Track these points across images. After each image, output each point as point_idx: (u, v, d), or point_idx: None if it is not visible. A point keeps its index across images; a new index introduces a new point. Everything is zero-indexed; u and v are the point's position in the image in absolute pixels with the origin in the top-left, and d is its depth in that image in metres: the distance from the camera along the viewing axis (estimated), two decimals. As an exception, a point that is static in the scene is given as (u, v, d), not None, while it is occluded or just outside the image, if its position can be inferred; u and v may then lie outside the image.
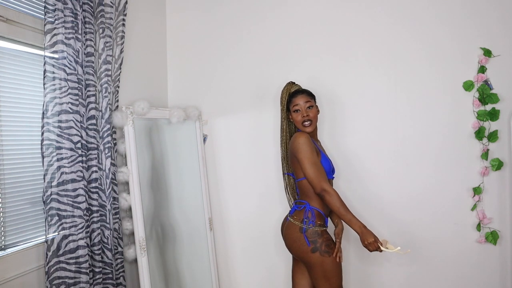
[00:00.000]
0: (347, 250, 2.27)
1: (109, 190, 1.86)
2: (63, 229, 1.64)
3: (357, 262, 2.28)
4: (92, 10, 1.84)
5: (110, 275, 1.87)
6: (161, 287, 2.14)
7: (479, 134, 2.02)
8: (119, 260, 1.96)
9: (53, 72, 1.62)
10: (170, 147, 2.33)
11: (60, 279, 1.63)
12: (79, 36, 1.73)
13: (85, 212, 1.72)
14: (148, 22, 2.42)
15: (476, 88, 2.03)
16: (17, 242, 1.62)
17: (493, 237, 2.02)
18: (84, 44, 1.79)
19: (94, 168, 1.81)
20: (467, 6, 2.04)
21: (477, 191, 2.05)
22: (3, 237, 1.57)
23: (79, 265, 1.68)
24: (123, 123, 1.96)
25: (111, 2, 1.92)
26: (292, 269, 2.00)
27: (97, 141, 1.85)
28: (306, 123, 1.86)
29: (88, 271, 1.71)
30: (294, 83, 2.01)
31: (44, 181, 1.61)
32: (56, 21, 1.62)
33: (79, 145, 1.72)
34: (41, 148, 1.60)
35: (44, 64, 1.60)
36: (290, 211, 1.93)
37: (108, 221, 1.86)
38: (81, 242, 1.69)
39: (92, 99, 1.82)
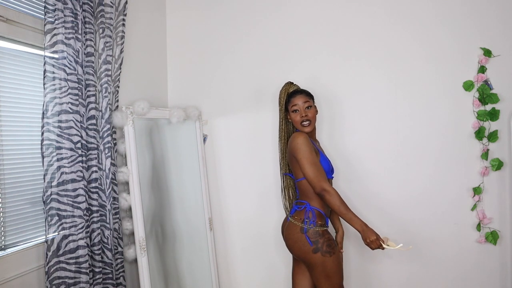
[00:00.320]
0: (348, 248, 2.27)
1: (109, 190, 1.86)
2: (63, 229, 1.64)
3: (358, 261, 2.28)
4: (92, 10, 1.84)
5: (110, 275, 1.87)
6: (161, 287, 2.14)
7: (479, 134, 2.02)
8: (119, 260, 1.96)
9: (53, 72, 1.62)
10: (170, 147, 2.33)
11: (60, 279, 1.63)
12: (79, 36, 1.73)
13: (85, 212, 1.72)
14: (148, 22, 2.42)
15: (476, 88, 2.03)
16: (17, 242, 1.62)
17: (493, 237, 2.02)
18: (84, 44, 1.79)
19: (94, 168, 1.81)
20: (467, 6, 2.04)
21: (477, 191, 2.05)
22: (3, 237, 1.57)
23: (79, 265, 1.68)
24: (123, 123, 1.96)
25: (111, 2, 1.91)
26: (292, 269, 2.00)
27: (97, 141, 1.85)
28: (305, 123, 1.86)
29: (88, 271, 1.71)
30: (292, 83, 2.01)
31: (44, 181, 1.60)
32: (56, 21, 1.62)
33: (79, 145, 1.72)
34: (41, 148, 1.60)
35: (44, 64, 1.60)
36: (290, 211, 1.93)
37: (108, 221, 1.86)
38: (81, 242, 1.69)
39: (92, 99, 1.82)
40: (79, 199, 1.70)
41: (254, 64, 2.42)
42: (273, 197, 2.39)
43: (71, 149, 1.67)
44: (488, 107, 2.02)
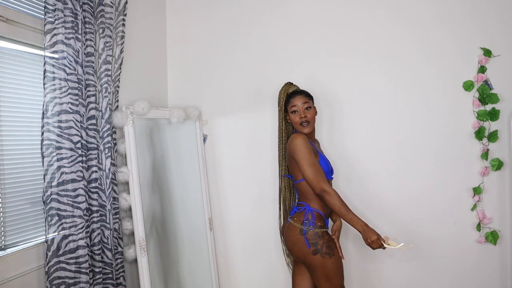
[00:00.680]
0: (348, 249, 2.27)
1: (109, 190, 1.86)
2: (63, 229, 1.64)
3: (358, 262, 2.28)
4: (92, 10, 1.84)
5: (110, 275, 1.87)
6: (161, 287, 2.14)
7: (479, 134, 2.02)
8: (119, 260, 1.96)
9: (53, 72, 1.62)
10: (170, 147, 2.33)
11: (60, 279, 1.63)
12: (79, 36, 1.73)
13: (85, 212, 1.72)
14: (148, 22, 2.42)
15: (476, 88, 2.03)
16: (17, 242, 1.62)
17: (493, 237, 2.02)
18: (84, 44, 1.79)
19: (94, 168, 1.81)
20: (467, 6, 2.04)
21: (477, 191, 2.05)
22: (3, 237, 1.57)
23: (79, 265, 1.68)
24: (123, 123, 1.96)
25: (111, 2, 1.91)
26: (292, 270, 1.99)
27: (97, 141, 1.85)
28: (304, 124, 1.85)
29: (88, 271, 1.71)
30: (292, 83, 2.00)
31: (44, 181, 1.60)
32: (56, 21, 1.62)
33: (79, 145, 1.72)
34: (41, 148, 1.60)
35: (44, 64, 1.60)
36: (290, 212, 1.93)
37: (108, 221, 1.86)
38: (81, 242, 1.69)
39: (92, 99, 1.82)
40: (79, 199, 1.70)
41: (254, 64, 2.42)
42: (273, 197, 2.39)
43: (71, 149, 1.67)
44: (488, 107, 2.02)
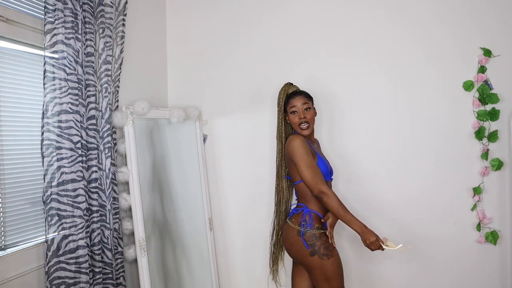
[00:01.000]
0: (348, 250, 2.27)
1: (109, 190, 1.86)
2: (63, 229, 1.64)
3: (358, 263, 2.28)
4: (92, 10, 1.84)
5: (110, 275, 1.87)
6: (161, 287, 2.14)
7: (479, 134, 2.02)
8: (119, 260, 1.96)
9: (53, 72, 1.62)
10: (170, 147, 2.33)
11: (60, 279, 1.63)
12: (79, 36, 1.73)
13: (85, 212, 1.72)
14: (148, 22, 2.42)
15: (476, 88, 2.03)
16: (17, 242, 1.62)
17: (493, 237, 2.02)
18: (84, 44, 1.79)
19: (94, 168, 1.81)
20: (467, 6, 2.04)
21: (477, 191, 2.05)
22: (3, 237, 1.57)
23: (79, 265, 1.68)
24: (123, 123, 1.96)
25: (111, 2, 1.91)
26: (291, 271, 1.99)
27: (97, 141, 1.85)
28: (303, 125, 1.84)
29: (88, 271, 1.71)
30: (291, 84, 2.00)
31: (44, 181, 1.60)
32: (56, 21, 1.62)
33: (79, 145, 1.72)
34: (41, 148, 1.60)
35: (44, 64, 1.60)
36: (289, 213, 1.92)
37: (108, 221, 1.86)
38: (81, 242, 1.69)
39: (92, 99, 1.82)
40: (79, 199, 1.70)
41: (254, 64, 2.42)
42: (273, 197, 2.38)
43: (71, 149, 1.67)
44: (488, 107, 2.02)
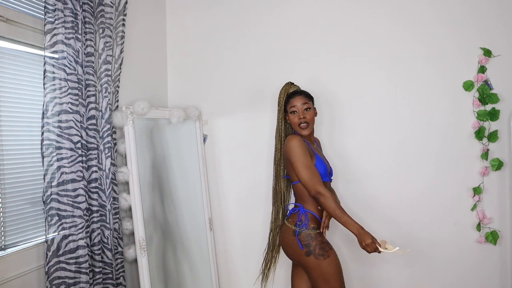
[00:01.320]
0: (346, 253, 2.27)
1: (109, 190, 1.86)
2: (63, 229, 1.64)
3: (358, 263, 2.28)
4: (92, 10, 1.84)
5: (110, 275, 1.87)
6: (161, 287, 2.14)
7: (479, 134, 2.02)
8: (119, 260, 1.96)
9: (53, 72, 1.62)
10: (170, 147, 2.33)
11: (60, 279, 1.63)
12: (79, 36, 1.73)
13: (85, 212, 1.72)
14: (148, 22, 2.42)
15: (476, 88, 2.03)
16: (17, 242, 1.62)
17: (493, 237, 2.02)
18: (84, 44, 1.79)
19: (94, 168, 1.81)
20: (467, 6, 2.04)
21: (477, 191, 2.05)
22: (3, 237, 1.57)
23: (79, 265, 1.68)
24: (123, 123, 1.96)
25: (111, 2, 1.92)
26: (291, 272, 1.99)
27: (97, 141, 1.85)
28: (303, 125, 1.84)
29: (88, 271, 1.71)
30: (292, 83, 1.99)
31: (44, 181, 1.60)
32: (56, 21, 1.62)
33: (79, 145, 1.72)
34: (41, 148, 1.60)
35: (44, 64, 1.60)
36: (287, 214, 1.92)
37: (108, 221, 1.86)
38: (81, 242, 1.69)
39: (92, 99, 1.82)
40: (79, 199, 1.70)
41: (254, 64, 2.42)
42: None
43: (71, 149, 1.67)
44: (488, 107, 2.02)
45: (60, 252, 1.64)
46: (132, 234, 2.02)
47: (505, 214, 2.03)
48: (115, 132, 2.00)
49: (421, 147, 2.14)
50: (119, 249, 1.97)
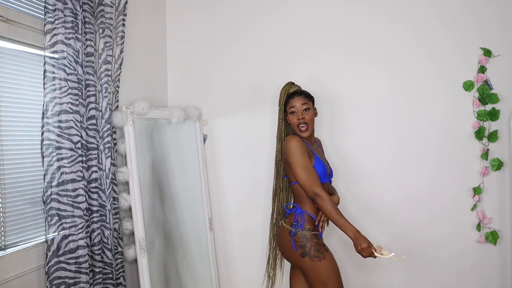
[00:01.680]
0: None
1: (109, 190, 1.86)
2: (63, 229, 1.64)
3: (357, 264, 2.28)
4: (92, 10, 1.84)
5: (110, 275, 1.87)
6: (161, 287, 2.14)
7: (479, 134, 2.02)
8: (119, 260, 1.96)
9: (53, 72, 1.62)
10: (170, 147, 2.33)
11: (60, 279, 1.63)
12: (79, 36, 1.73)
13: (85, 212, 1.72)
14: (148, 22, 2.42)
15: (476, 88, 2.03)
16: (17, 242, 1.62)
17: (493, 237, 2.02)
18: (84, 44, 1.79)
19: (94, 168, 1.81)
20: (467, 6, 2.04)
21: (477, 191, 2.05)
22: (3, 237, 1.57)
23: (79, 265, 1.68)
24: (123, 123, 1.96)
25: (111, 2, 1.92)
26: (290, 273, 1.98)
27: (97, 141, 1.85)
28: (302, 126, 1.83)
29: (88, 271, 1.71)
30: (293, 83, 1.98)
31: (44, 181, 1.60)
32: (56, 21, 1.62)
33: (79, 145, 1.72)
34: (41, 148, 1.60)
35: (44, 64, 1.60)
36: (286, 214, 1.92)
37: (108, 221, 1.86)
38: (81, 242, 1.69)
39: (92, 99, 1.82)
40: (79, 199, 1.70)
41: (254, 64, 2.42)
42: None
43: (71, 149, 1.67)
44: (488, 107, 2.01)
45: (60, 252, 1.64)
46: (132, 234, 2.02)
47: (505, 214, 2.03)
48: (115, 132, 2.00)
49: (421, 147, 2.14)
50: (119, 249, 1.97)
